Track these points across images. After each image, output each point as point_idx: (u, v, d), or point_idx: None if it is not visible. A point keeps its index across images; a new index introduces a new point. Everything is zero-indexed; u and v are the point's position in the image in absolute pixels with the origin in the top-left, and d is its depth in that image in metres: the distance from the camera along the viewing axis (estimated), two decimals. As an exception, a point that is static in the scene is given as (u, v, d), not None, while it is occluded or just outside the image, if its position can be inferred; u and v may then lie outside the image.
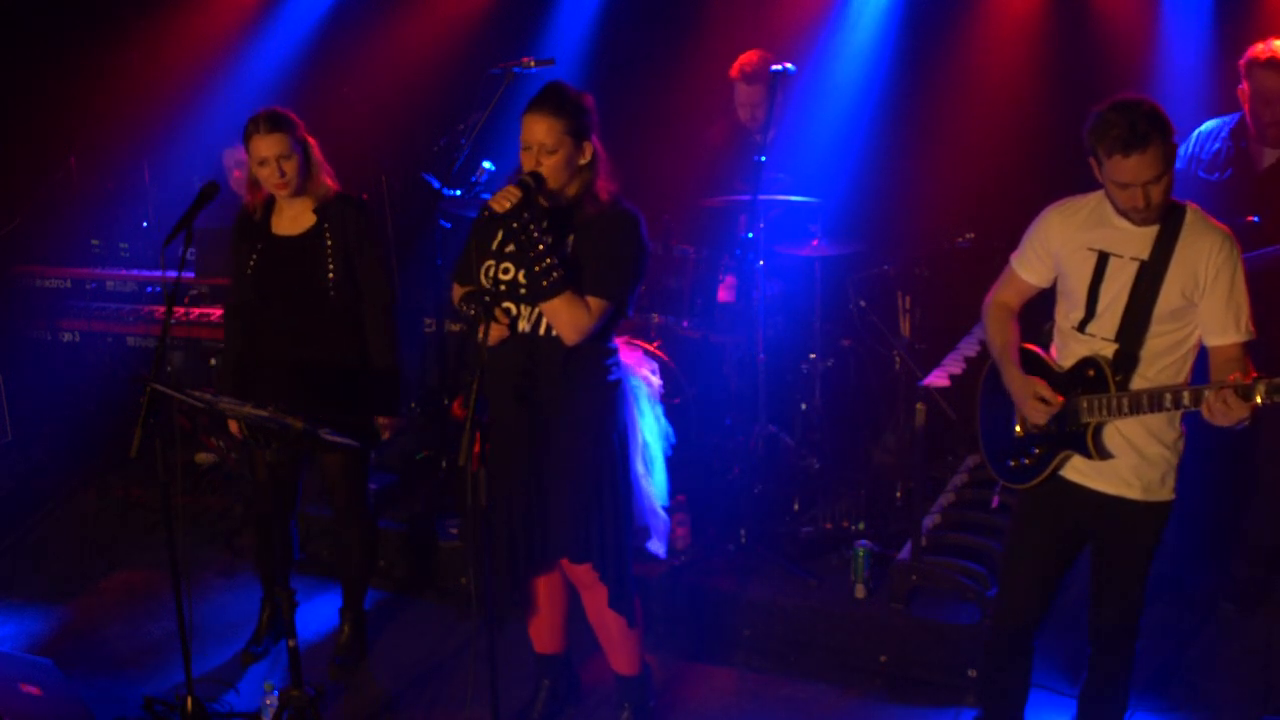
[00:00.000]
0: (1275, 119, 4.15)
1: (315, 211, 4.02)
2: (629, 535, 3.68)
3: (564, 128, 3.33)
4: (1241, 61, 4.20)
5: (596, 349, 3.50)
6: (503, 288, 3.45)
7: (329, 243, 4.00)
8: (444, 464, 5.54)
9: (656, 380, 3.91)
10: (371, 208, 4.08)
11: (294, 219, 4.04)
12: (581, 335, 3.37)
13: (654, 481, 3.84)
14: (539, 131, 3.34)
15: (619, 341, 3.68)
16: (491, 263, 3.47)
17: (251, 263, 4.03)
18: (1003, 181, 5.66)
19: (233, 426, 4.10)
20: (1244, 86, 4.20)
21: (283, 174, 3.89)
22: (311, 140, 4.02)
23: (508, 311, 3.44)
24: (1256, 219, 3.80)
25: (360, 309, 4.07)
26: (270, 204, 4.08)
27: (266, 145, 3.88)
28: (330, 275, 3.98)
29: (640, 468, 3.78)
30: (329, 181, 4.05)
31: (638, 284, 3.50)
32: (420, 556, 5.04)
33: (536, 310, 3.41)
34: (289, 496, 4.28)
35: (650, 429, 3.83)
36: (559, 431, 3.50)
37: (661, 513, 3.87)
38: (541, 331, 3.42)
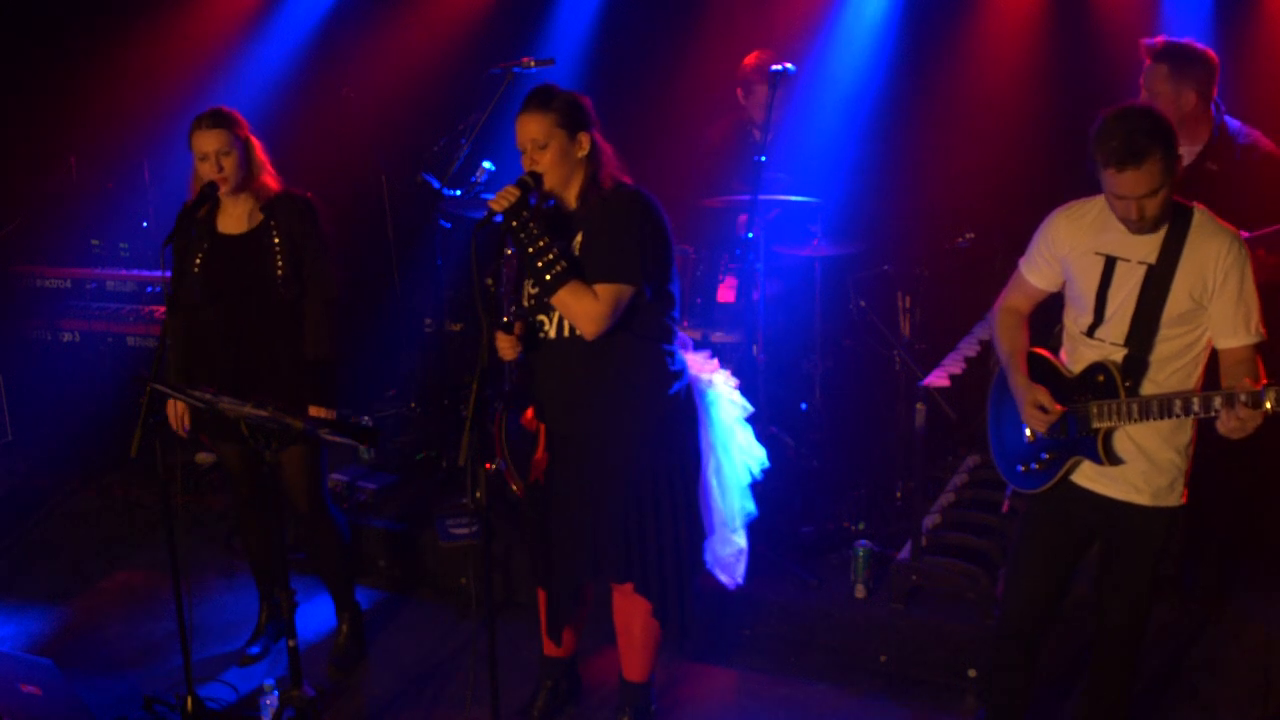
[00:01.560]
0: (1167, 109, 4.05)
1: (262, 209, 4.05)
2: (689, 555, 3.58)
3: (553, 121, 3.33)
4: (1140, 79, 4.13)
5: (647, 354, 3.43)
6: (532, 301, 3.45)
7: (276, 240, 4.03)
8: (444, 464, 5.54)
9: (740, 399, 3.71)
10: (316, 206, 4.10)
11: (239, 217, 4.07)
12: (598, 325, 3.31)
13: (728, 505, 3.65)
14: (529, 129, 3.35)
15: (699, 355, 3.62)
16: (527, 282, 3.48)
17: (198, 260, 4.05)
18: (1003, 182, 5.66)
19: (173, 421, 4.07)
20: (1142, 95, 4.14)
21: (221, 169, 3.94)
22: (255, 140, 4.05)
23: (540, 324, 3.44)
24: None
25: (302, 305, 4.09)
26: (215, 204, 4.10)
27: (207, 140, 3.93)
28: (279, 272, 4.01)
29: (715, 488, 3.62)
30: (270, 181, 4.07)
31: (655, 262, 3.38)
32: (420, 556, 5.04)
33: (558, 313, 3.40)
34: (267, 494, 4.26)
35: (732, 447, 3.66)
36: (609, 444, 3.46)
37: (732, 540, 3.67)
38: (566, 333, 3.41)
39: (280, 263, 4.01)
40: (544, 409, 3.54)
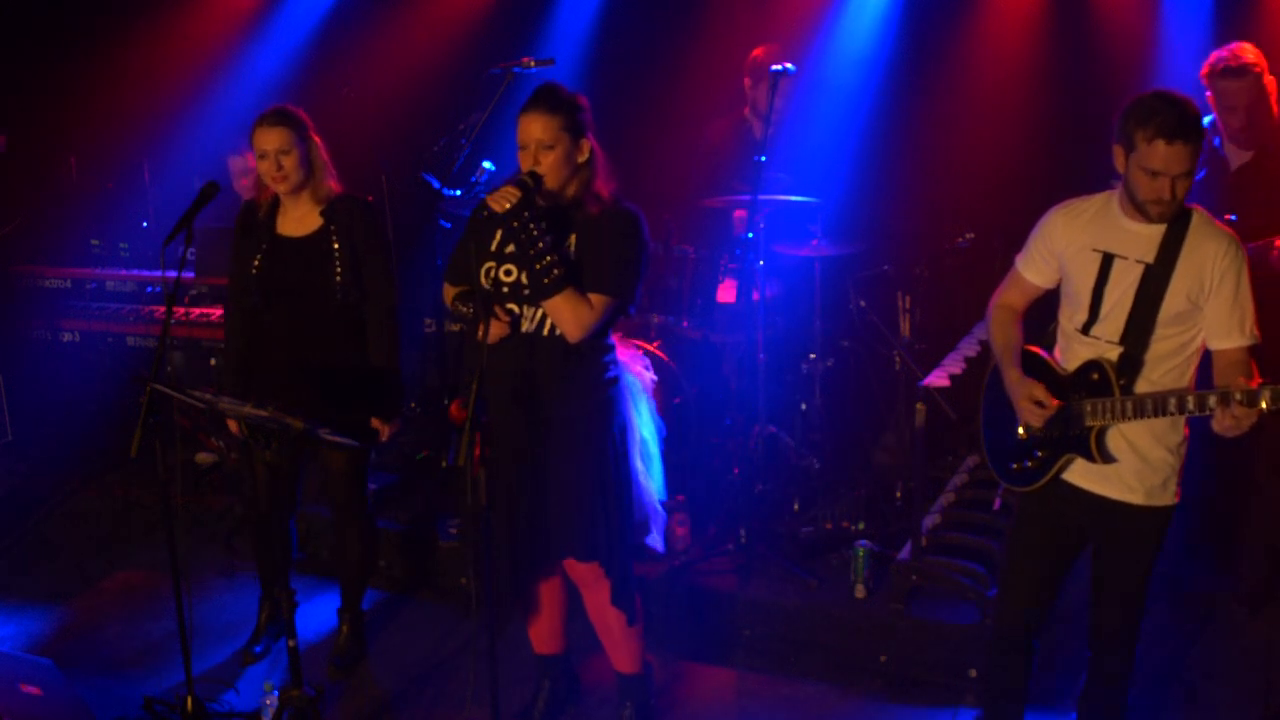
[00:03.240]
0: (1243, 124, 4.17)
1: (322, 214, 4.02)
2: (630, 532, 3.69)
3: (560, 124, 3.34)
4: (1202, 73, 4.21)
5: (596, 347, 3.50)
6: (505, 289, 3.45)
7: (336, 244, 4.00)
8: (444, 464, 5.54)
9: (650, 375, 3.93)
10: (376, 210, 4.08)
11: (299, 220, 4.04)
12: (585, 332, 3.37)
13: (652, 477, 3.86)
14: (535, 129, 3.34)
15: (614, 339, 3.69)
16: (492, 264, 3.47)
17: (256, 263, 4.03)
18: (1002, 181, 5.66)
19: (232, 425, 4.10)
20: (1209, 96, 4.22)
21: (280, 168, 3.91)
22: (318, 140, 4.02)
23: (510, 312, 3.44)
24: (1234, 218, 3.81)
25: (363, 311, 4.08)
26: (275, 204, 4.08)
27: (267, 139, 3.90)
28: (338, 277, 3.99)
29: (639, 464, 3.79)
30: (333, 184, 4.05)
31: (640, 281, 3.49)
32: (420, 556, 5.05)
33: (539, 310, 3.41)
34: (288, 496, 4.27)
35: (646, 425, 3.84)
36: (561, 430, 3.50)
37: (660, 508, 3.89)
38: (545, 331, 3.42)
39: (339, 267, 3.98)
40: (498, 397, 3.49)
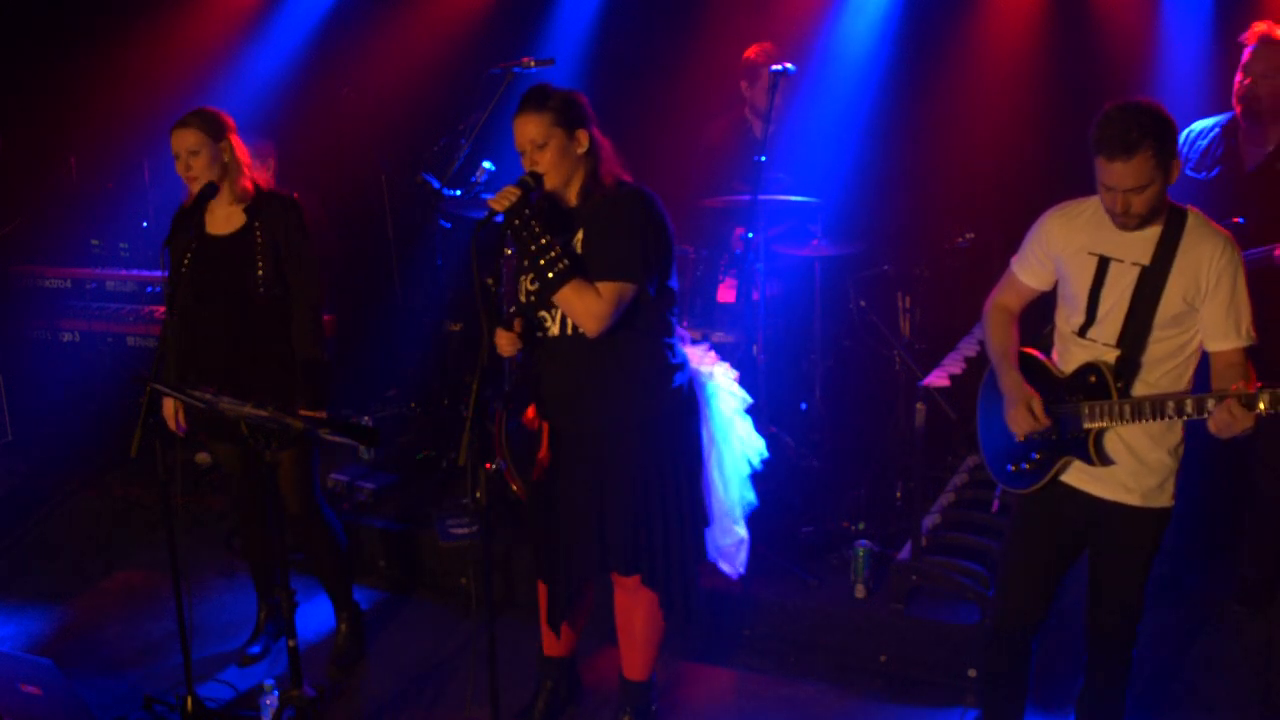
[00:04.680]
0: (1271, 91, 4.06)
1: (245, 210, 4.05)
2: (693, 546, 3.60)
3: (550, 120, 3.33)
4: (1243, 37, 4.11)
5: (650, 349, 3.44)
6: (532, 299, 3.45)
7: (259, 241, 4.02)
8: (444, 464, 5.54)
9: (740, 391, 3.74)
10: (303, 206, 4.10)
11: (226, 218, 4.07)
12: (601, 323, 3.32)
13: (729, 496, 3.68)
14: (527, 129, 3.34)
15: (698, 348, 3.64)
16: (525, 278, 3.47)
17: (186, 261, 4.05)
18: (1002, 182, 5.66)
19: (169, 413, 4.07)
20: (1239, 73, 4.15)
21: (189, 168, 3.96)
22: (236, 141, 4.03)
23: (542, 321, 3.44)
24: (1241, 220, 3.78)
25: (288, 306, 4.08)
26: (202, 204, 4.09)
27: (176, 139, 3.96)
28: (259, 272, 4.01)
29: (716, 479, 3.65)
30: (247, 184, 4.06)
31: (658, 260, 3.39)
32: (420, 556, 5.04)
33: (559, 311, 3.41)
34: (268, 496, 4.26)
35: (733, 438, 3.68)
36: (614, 439, 3.46)
37: (734, 530, 3.70)
38: (569, 331, 3.41)
39: (260, 264, 4.00)
40: (546, 406, 3.54)
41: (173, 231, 4.03)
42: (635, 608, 3.67)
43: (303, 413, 4.04)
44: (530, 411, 3.59)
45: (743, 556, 3.74)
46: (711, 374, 3.66)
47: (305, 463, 4.15)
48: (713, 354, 3.75)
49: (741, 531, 3.71)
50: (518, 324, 3.44)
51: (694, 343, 3.74)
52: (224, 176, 4.00)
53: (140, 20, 6.63)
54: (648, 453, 3.47)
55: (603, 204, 3.39)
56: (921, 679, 4.22)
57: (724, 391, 3.68)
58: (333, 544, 4.32)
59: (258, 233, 4.02)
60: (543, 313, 3.45)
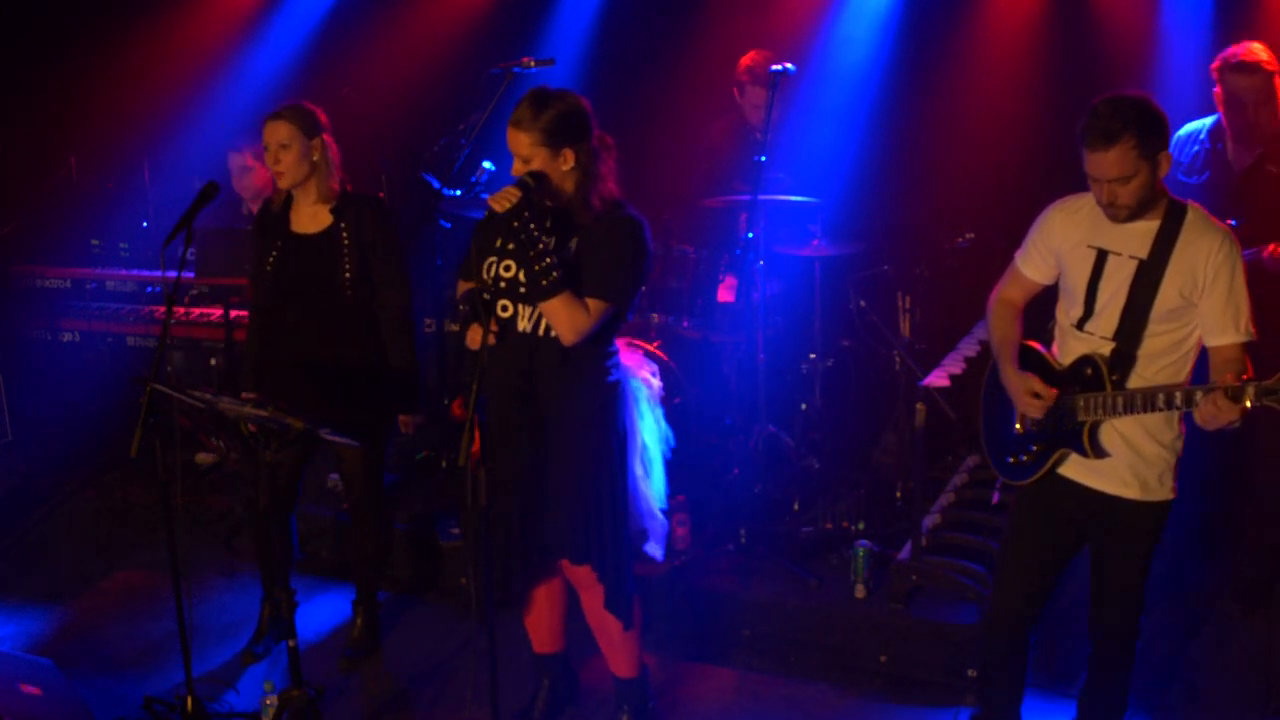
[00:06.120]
0: (1248, 122, 4.17)
1: (332, 210, 4.06)
2: (627, 537, 3.68)
3: (534, 140, 3.32)
4: (1213, 66, 4.22)
5: (597, 350, 3.50)
6: (503, 285, 3.45)
7: (346, 241, 4.03)
8: (444, 464, 5.54)
9: (657, 382, 3.91)
10: (388, 208, 4.11)
11: (312, 217, 4.08)
12: (579, 336, 3.38)
13: (652, 484, 3.85)
14: (513, 143, 3.37)
15: (620, 343, 3.68)
16: (494, 259, 3.48)
17: (271, 260, 4.06)
18: (1002, 181, 5.66)
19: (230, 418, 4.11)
20: (1217, 90, 4.22)
21: (278, 161, 3.96)
22: (328, 140, 4.05)
23: (505, 309, 3.45)
24: (1235, 222, 3.82)
25: (373, 308, 4.10)
26: (289, 202, 4.12)
27: (269, 132, 3.97)
28: (346, 273, 4.02)
29: (639, 470, 3.78)
30: (335, 184, 4.08)
31: (638, 288, 3.51)
32: (421, 556, 5.04)
33: (537, 310, 3.41)
34: (288, 496, 4.29)
35: (650, 431, 3.83)
36: (558, 432, 3.50)
37: (659, 515, 3.87)
38: (541, 332, 3.42)
39: (347, 264, 4.01)
40: (491, 397, 3.51)
41: (257, 231, 4.05)
42: (600, 607, 3.68)
43: (401, 419, 4.19)
44: (456, 405, 3.61)
45: (663, 544, 3.93)
46: (631, 368, 3.75)
47: (375, 458, 4.21)
48: (639, 353, 3.95)
49: (661, 518, 3.87)
50: (494, 325, 3.41)
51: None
52: (312, 174, 4.02)
53: (140, 20, 6.63)
54: (591, 442, 3.52)
55: (603, 222, 3.41)
56: (921, 679, 4.22)
57: (642, 386, 3.80)
58: (383, 540, 4.39)
59: (344, 233, 4.03)
60: (505, 301, 3.45)
